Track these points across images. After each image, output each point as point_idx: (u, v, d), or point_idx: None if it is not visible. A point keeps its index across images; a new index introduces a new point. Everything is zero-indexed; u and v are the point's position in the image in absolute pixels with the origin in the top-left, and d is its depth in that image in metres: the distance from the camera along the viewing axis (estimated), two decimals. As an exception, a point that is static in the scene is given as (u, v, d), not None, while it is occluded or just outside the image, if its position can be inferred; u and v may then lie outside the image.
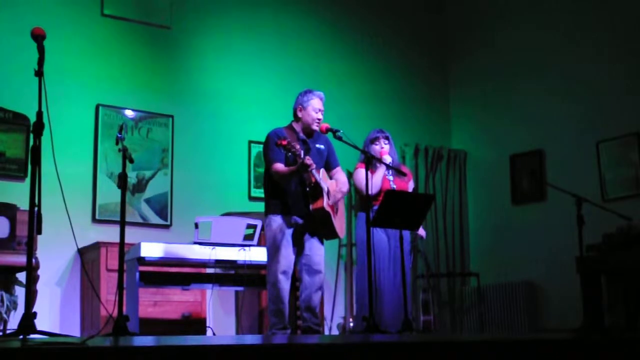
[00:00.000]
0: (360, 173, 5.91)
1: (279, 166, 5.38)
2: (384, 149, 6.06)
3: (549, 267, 8.24)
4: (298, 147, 5.22)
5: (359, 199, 6.47)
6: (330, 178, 5.66)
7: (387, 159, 5.97)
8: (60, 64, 6.84)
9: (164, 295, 6.63)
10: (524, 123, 8.86)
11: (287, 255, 5.37)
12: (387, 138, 6.18)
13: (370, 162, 5.62)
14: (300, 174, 5.31)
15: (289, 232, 5.38)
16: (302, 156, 5.17)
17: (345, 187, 5.64)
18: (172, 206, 7.53)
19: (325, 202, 5.34)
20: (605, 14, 8.26)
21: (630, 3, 8.03)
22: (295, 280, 5.70)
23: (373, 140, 6.15)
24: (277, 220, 5.41)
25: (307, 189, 5.37)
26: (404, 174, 6.08)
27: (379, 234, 5.95)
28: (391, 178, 5.92)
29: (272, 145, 5.35)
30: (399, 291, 5.82)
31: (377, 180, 5.87)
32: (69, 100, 7.03)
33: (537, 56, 8.81)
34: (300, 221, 5.43)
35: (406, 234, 6.01)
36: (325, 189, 5.37)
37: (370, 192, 5.66)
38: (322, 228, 5.46)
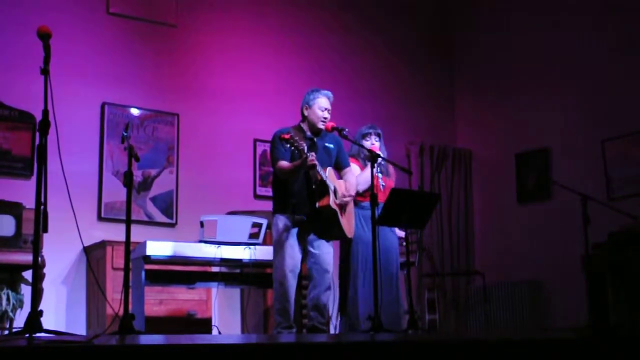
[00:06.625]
0: (355, 169, 5.92)
1: (283, 163, 5.38)
2: (374, 145, 6.02)
3: (555, 266, 8.22)
4: (301, 142, 5.21)
5: None
6: (341, 178, 5.66)
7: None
8: (66, 62, 6.84)
9: (169, 293, 6.63)
10: (529, 122, 8.85)
11: (293, 255, 5.37)
12: (378, 135, 6.15)
13: (375, 159, 5.58)
14: (303, 169, 5.29)
15: (295, 231, 5.39)
16: (305, 151, 5.16)
17: (353, 190, 5.63)
18: (178, 204, 7.53)
19: (332, 200, 5.33)
20: (610, 12, 8.23)
21: (635, 1, 8.01)
22: (302, 279, 5.70)
23: (364, 136, 6.10)
24: (283, 220, 5.41)
25: (314, 187, 5.37)
26: (397, 172, 6.05)
27: (359, 231, 5.87)
28: (380, 175, 5.88)
29: (277, 143, 5.35)
30: (388, 287, 5.79)
31: (368, 176, 5.80)
32: (75, 98, 7.04)
33: (543, 55, 8.79)
34: (306, 220, 5.42)
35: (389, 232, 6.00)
36: (332, 188, 5.37)
37: (359, 189, 5.75)
38: (330, 227, 5.45)
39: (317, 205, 5.35)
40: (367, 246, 5.74)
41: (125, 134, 4.91)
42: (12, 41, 6.88)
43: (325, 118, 5.55)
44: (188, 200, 7.55)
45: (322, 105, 5.56)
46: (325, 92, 5.61)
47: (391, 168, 6.29)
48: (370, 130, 6.12)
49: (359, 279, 5.87)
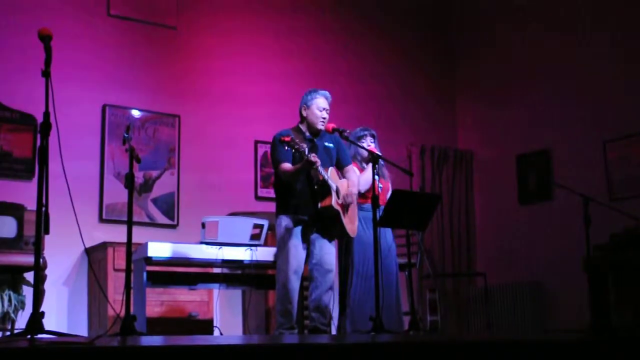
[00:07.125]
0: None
1: (286, 165, 5.38)
2: (370, 147, 6.02)
3: (556, 267, 8.22)
4: (302, 144, 5.21)
5: None
6: (343, 176, 5.67)
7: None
8: (67, 64, 6.84)
9: (170, 295, 6.64)
10: (530, 123, 8.84)
11: (297, 255, 5.37)
12: (373, 136, 6.15)
13: (377, 161, 5.58)
14: (306, 171, 5.30)
15: (298, 231, 5.38)
16: (306, 153, 5.16)
17: (355, 188, 5.63)
18: (179, 206, 7.54)
19: (334, 200, 5.33)
20: (611, 13, 8.23)
21: (634, 2, 8.01)
22: (304, 279, 5.70)
23: (359, 138, 6.09)
24: (286, 220, 5.41)
25: (315, 187, 5.37)
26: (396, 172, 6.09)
27: (359, 231, 5.88)
28: (377, 177, 5.89)
29: (278, 146, 5.35)
30: (387, 288, 5.81)
31: (369, 177, 5.80)
32: (76, 100, 7.04)
33: (543, 56, 8.78)
34: (309, 221, 5.42)
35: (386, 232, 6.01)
36: (334, 187, 5.37)
37: (359, 189, 5.75)
38: (332, 227, 5.46)
39: (319, 205, 5.35)
40: (366, 247, 5.74)
41: (126, 135, 4.91)
42: (14, 43, 6.88)
43: (324, 118, 5.55)
44: (189, 202, 7.56)
45: (320, 105, 5.55)
46: (323, 92, 5.61)
47: (386, 170, 6.30)
48: (365, 132, 6.13)
49: (359, 280, 5.87)
